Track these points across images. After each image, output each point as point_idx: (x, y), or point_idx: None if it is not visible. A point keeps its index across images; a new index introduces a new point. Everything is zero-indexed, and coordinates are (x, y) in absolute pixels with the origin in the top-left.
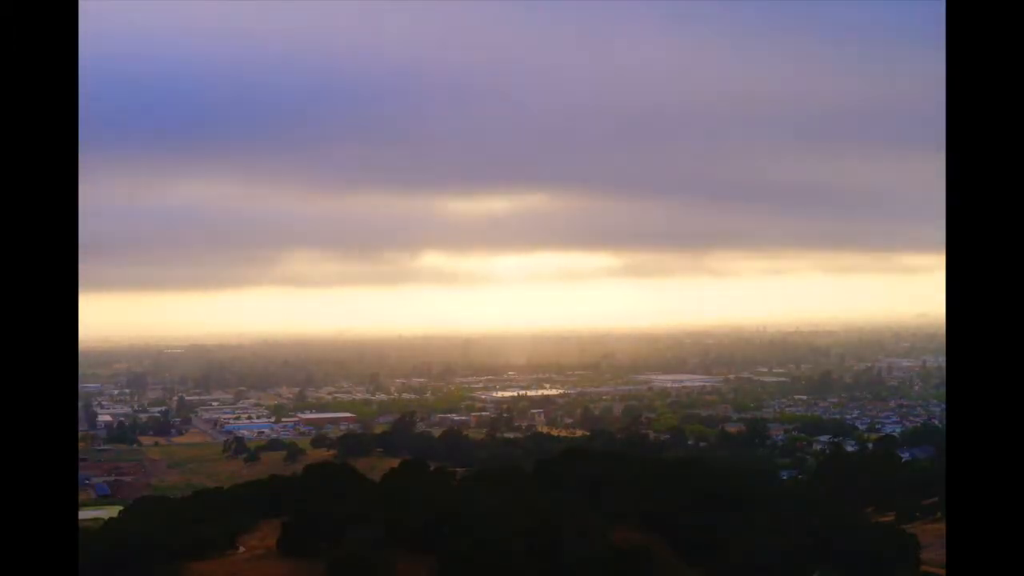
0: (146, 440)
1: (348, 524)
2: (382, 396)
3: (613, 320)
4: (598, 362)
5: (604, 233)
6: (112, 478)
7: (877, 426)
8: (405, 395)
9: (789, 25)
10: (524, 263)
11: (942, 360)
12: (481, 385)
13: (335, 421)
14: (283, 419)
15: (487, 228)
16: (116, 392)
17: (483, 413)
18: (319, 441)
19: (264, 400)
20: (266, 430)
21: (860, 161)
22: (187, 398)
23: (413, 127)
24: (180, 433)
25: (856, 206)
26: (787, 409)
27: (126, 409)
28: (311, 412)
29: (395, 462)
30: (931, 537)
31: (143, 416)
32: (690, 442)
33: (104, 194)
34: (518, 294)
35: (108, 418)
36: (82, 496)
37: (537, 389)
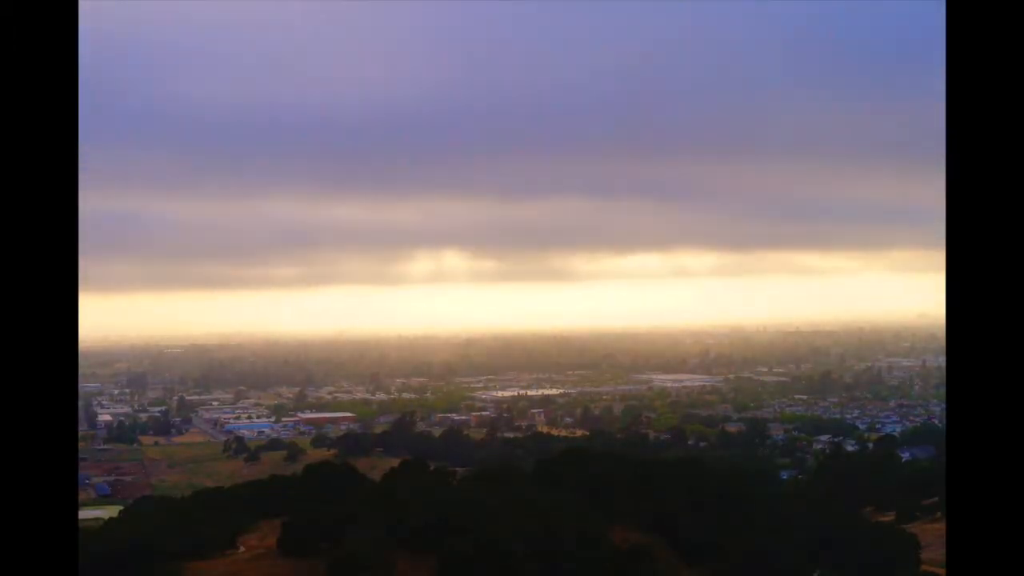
0: (146, 440)
1: (348, 524)
2: (382, 396)
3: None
4: (598, 362)
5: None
6: (112, 478)
7: (877, 426)
8: (405, 395)
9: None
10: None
11: (942, 360)
12: (481, 385)
13: (335, 421)
14: (283, 419)
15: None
16: (116, 392)
17: (483, 413)
18: (319, 441)
19: (264, 400)
20: (266, 430)
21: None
22: (187, 398)
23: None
24: (180, 433)
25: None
26: (787, 409)
27: (126, 409)
28: (311, 412)
29: (395, 462)
30: (931, 537)
31: (143, 416)
32: (690, 442)
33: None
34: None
35: (108, 418)
36: (82, 496)
37: (537, 389)
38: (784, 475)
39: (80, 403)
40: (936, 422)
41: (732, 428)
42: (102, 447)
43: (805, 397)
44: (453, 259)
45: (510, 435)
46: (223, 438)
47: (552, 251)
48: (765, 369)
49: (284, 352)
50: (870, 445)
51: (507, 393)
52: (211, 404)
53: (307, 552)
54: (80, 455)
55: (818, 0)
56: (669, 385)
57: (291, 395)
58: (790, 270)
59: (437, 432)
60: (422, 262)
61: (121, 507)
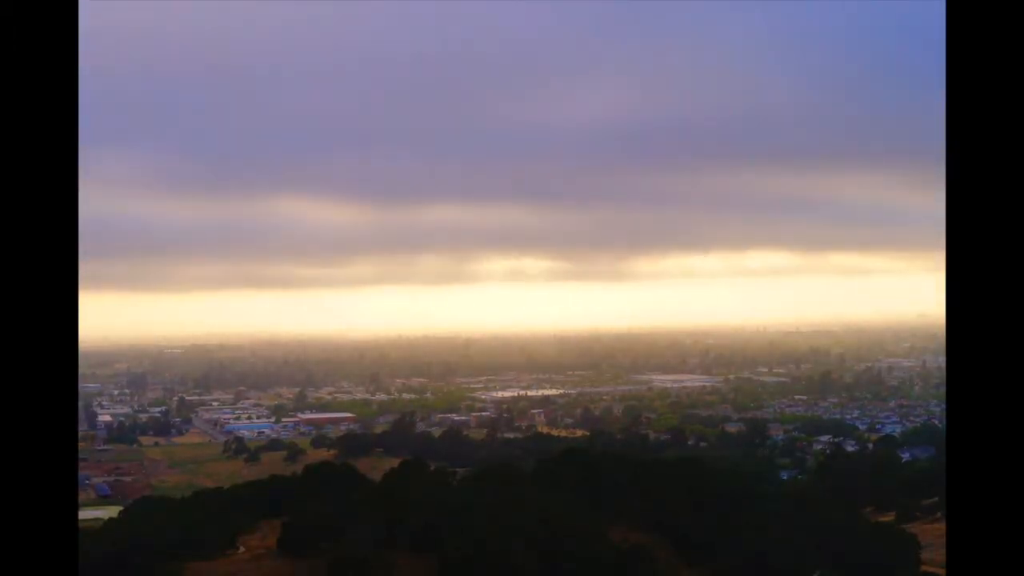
0: (146, 440)
1: (348, 524)
2: (382, 396)
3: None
4: (598, 362)
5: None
6: (112, 478)
7: (877, 426)
8: (405, 395)
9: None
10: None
11: (942, 360)
12: (481, 385)
13: (335, 421)
14: (283, 419)
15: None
16: (116, 392)
17: (483, 413)
18: (319, 441)
19: (264, 400)
20: (266, 430)
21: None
22: (187, 398)
23: None
24: (180, 433)
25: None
26: (787, 409)
27: (126, 409)
28: (311, 412)
29: (395, 462)
30: (931, 537)
31: (143, 416)
32: (690, 442)
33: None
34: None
35: (108, 418)
36: (82, 496)
37: (537, 389)
38: (784, 475)
39: (80, 403)
40: (936, 422)
41: (732, 428)
42: (102, 447)
43: (805, 397)
44: (529, 261)
45: (510, 435)
46: (223, 438)
47: (622, 253)
48: (765, 369)
49: (284, 352)
50: (870, 445)
51: (507, 393)
52: (211, 404)
53: (307, 552)
54: (80, 455)
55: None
56: (669, 385)
57: (291, 395)
58: (848, 271)
59: (437, 432)
60: (498, 263)
61: (121, 507)
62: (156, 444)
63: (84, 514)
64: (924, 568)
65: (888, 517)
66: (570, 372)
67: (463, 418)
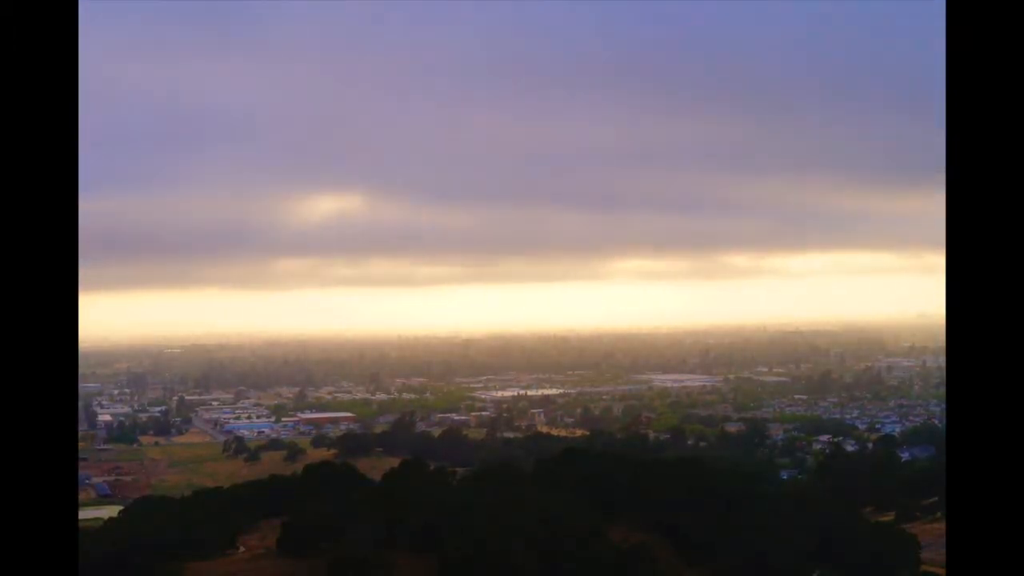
0: (146, 440)
1: (348, 524)
2: (382, 396)
3: None
4: (598, 362)
5: None
6: (112, 478)
7: (877, 426)
8: (405, 395)
9: None
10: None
11: (942, 360)
12: (481, 385)
13: (335, 421)
14: (283, 419)
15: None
16: (116, 392)
17: (483, 413)
18: (319, 441)
19: (264, 400)
20: (266, 430)
21: None
22: (187, 398)
23: None
24: (180, 433)
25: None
26: (787, 409)
27: (126, 409)
28: (311, 412)
29: (395, 462)
30: (931, 537)
31: (143, 416)
32: (690, 442)
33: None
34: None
35: (108, 418)
36: (82, 496)
37: (537, 389)
38: (784, 475)
39: (80, 403)
40: (936, 422)
41: (732, 428)
42: (102, 447)
43: (805, 397)
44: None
45: (510, 435)
46: (223, 438)
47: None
48: (765, 369)
49: (284, 352)
50: (870, 445)
51: (507, 393)
52: (211, 404)
53: (307, 552)
54: (80, 455)
55: None
56: (669, 385)
57: (291, 395)
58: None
59: (437, 432)
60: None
61: (121, 507)
62: (156, 444)
63: (84, 514)
64: (924, 568)
65: (888, 517)
66: (570, 372)
67: (463, 418)
